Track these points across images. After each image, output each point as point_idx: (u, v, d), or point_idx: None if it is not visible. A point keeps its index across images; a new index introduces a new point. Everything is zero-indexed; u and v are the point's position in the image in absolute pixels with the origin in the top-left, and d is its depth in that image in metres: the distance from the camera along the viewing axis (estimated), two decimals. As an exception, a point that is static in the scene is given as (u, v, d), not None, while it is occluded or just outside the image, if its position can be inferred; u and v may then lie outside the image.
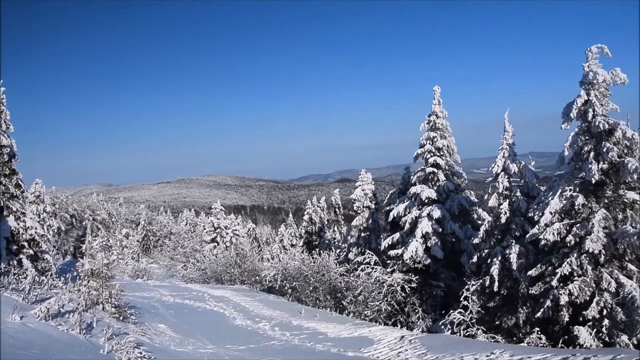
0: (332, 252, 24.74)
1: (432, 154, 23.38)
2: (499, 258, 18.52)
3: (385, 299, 21.02)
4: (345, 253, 29.15)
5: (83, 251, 50.80)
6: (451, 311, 18.20)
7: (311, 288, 22.87)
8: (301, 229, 52.15)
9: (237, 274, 30.54)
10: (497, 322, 18.19)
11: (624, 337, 14.67)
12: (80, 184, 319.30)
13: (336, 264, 23.63)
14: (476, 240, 19.78)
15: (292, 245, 49.27)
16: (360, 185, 30.71)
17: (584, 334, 14.89)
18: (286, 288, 24.11)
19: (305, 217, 49.33)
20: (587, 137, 16.20)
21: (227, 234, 47.36)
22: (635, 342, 14.38)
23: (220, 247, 44.38)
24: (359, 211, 30.12)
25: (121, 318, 13.80)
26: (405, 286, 21.33)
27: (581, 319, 15.26)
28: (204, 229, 50.98)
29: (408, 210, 23.30)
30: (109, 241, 50.00)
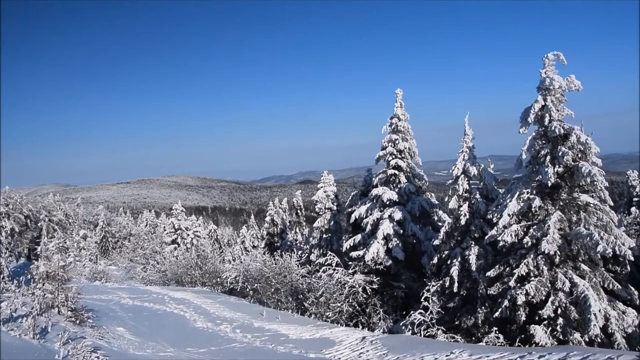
0: (294, 253, 24.76)
1: (393, 156, 23.60)
2: (459, 259, 18.83)
3: (347, 300, 21.13)
4: (307, 254, 29.21)
5: (38, 253, 49.30)
6: (412, 312, 18.43)
7: (273, 290, 22.84)
8: (263, 230, 51.96)
9: (198, 275, 30.28)
10: (456, 322, 18.48)
11: (577, 335, 15.13)
12: (36, 184, 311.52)
13: (298, 266, 23.66)
14: (436, 242, 20.07)
15: (253, 247, 49.17)
16: (322, 186, 30.80)
17: (539, 332, 15.28)
18: (248, 290, 24.02)
19: (267, 219, 49.19)
20: (543, 141, 16.64)
21: (188, 235, 46.76)
22: (587, 340, 14.84)
23: (181, 248, 43.83)
24: (320, 213, 30.19)
25: (78, 322, 13.55)
26: (367, 287, 21.49)
27: (537, 318, 15.66)
28: (165, 230, 50.24)
29: (370, 211, 23.46)
30: (65, 243, 48.58)
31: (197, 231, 48.37)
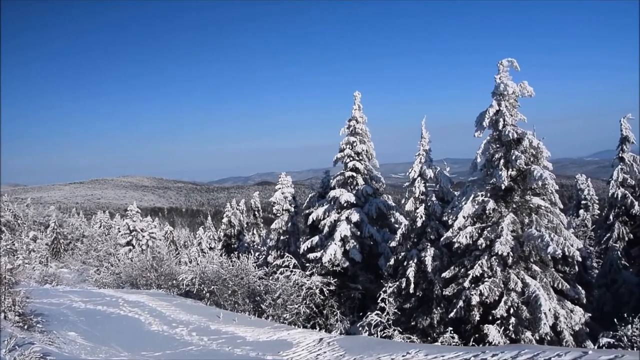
0: (251, 255, 24.68)
1: (351, 159, 23.76)
2: (415, 261, 19.08)
3: (304, 301, 21.15)
4: (264, 256, 29.13)
5: (-16, 256, 47.76)
6: (369, 313, 18.58)
7: (230, 292, 22.68)
8: (220, 232, 51.54)
9: (154, 278, 29.82)
10: (412, 323, 18.72)
11: (528, 334, 15.55)
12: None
13: (255, 267, 23.58)
14: (393, 244, 20.29)
15: (210, 249, 48.64)
16: (280, 188, 30.74)
17: (493, 331, 15.62)
18: (204, 292, 23.79)
19: (225, 220, 48.80)
20: (497, 145, 17.04)
21: (144, 236, 46.00)
22: (538, 338, 15.27)
23: (136, 250, 43.08)
24: (278, 214, 30.12)
25: (26, 327, 13.14)
26: (324, 289, 21.56)
27: (491, 317, 16.00)
28: (119, 231, 49.31)
29: (327, 213, 23.55)
30: (13, 245, 47.21)
31: (152, 232, 47.66)
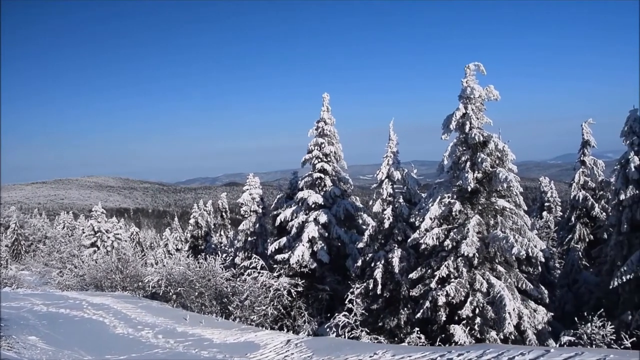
0: (219, 256, 24.44)
1: (319, 160, 23.80)
2: (382, 262, 19.22)
3: (272, 303, 21.09)
4: (231, 258, 28.89)
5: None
6: (336, 314, 18.64)
7: (197, 293, 22.45)
8: (187, 233, 51.09)
9: (119, 280, 29.31)
10: (380, 324, 18.85)
11: (493, 333, 15.83)
12: None
13: (222, 269, 23.38)
14: (361, 245, 20.41)
15: (177, 250, 48.06)
16: (248, 189, 30.57)
17: (458, 331, 15.84)
18: (171, 294, 23.48)
19: (192, 221, 48.41)
20: (464, 148, 17.30)
21: (109, 238, 45.20)
22: (502, 337, 15.56)
23: (101, 252, 42.27)
24: (246, 215, 29.96)
25: (-18, 332, 12.77)
26: (292, 290, 21.54)
27: (457, 318, 16.23)
28: (83, 232, 48.30)
29: (295, 214, 23.54)
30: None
31: (118, 234, 46.88)
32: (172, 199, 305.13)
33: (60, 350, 13.39)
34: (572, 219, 26.64)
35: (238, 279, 22.40)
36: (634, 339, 13.79)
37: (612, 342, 13.71)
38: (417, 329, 16.80)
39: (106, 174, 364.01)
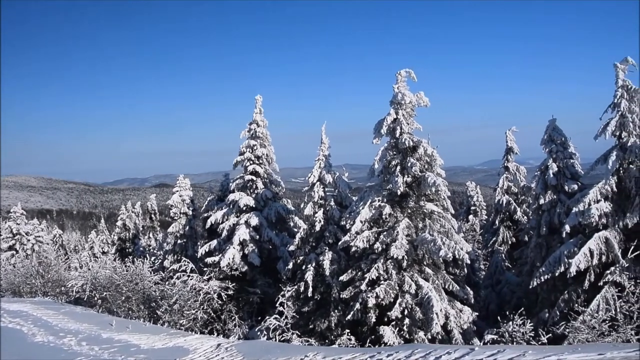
0: (147, 259, 23.82)
1: (251, 162, 23.65)
2: (313, 264, 19.30)
3: (202, 307, 20.75)
4: (160, 261, 28.26)
5: None
6: (267, 317, 18.53)
7: (124, 298, 21.79)
8: (114, 235, 49.66)
9: (39, 285, 28.08)
10: (311, 326, 18.91)
11: (421, 333, 16.22)
12: None
13: (151, 272, 22.79)
14: (292, 248, 20.42)
15: (103, 253, 46.47)
16: (178, 190, 29.97)
17: (388, 332, 16.12)
18: (96, 299, 22.69)
19: (119, 223, 47.07)
20: (394, 152, 17.66)
21: (29, 240, 43.22)
22: (430, 337, 15.96)
23: (20, 255, 40.40)
24: (175, 217, 29.36)
25: None
26: (222, 294, 21.27)
27: (386, 319, 16.52)
28: (1, 235, 46.01)
29: (226, 217, 23.29)
30: None
31: (39, 236, 44.90)
32: (99, 200, 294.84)
33: (-28, 362, 12.68)
34: (496, 222, 27.73)
35: (167, 283, 21.89)
36: (550, 335, 14.47)
37: (531, 338, 14.33)
38: (347, 330, 16.96)
39: (27, 174, 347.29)
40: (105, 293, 22.15)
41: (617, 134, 16.44)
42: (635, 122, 16.13)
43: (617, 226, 16.04)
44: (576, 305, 15.67)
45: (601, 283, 15.68)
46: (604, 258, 15.84)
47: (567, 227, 16.53)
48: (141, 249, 42.63)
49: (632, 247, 15.28)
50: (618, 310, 14.64)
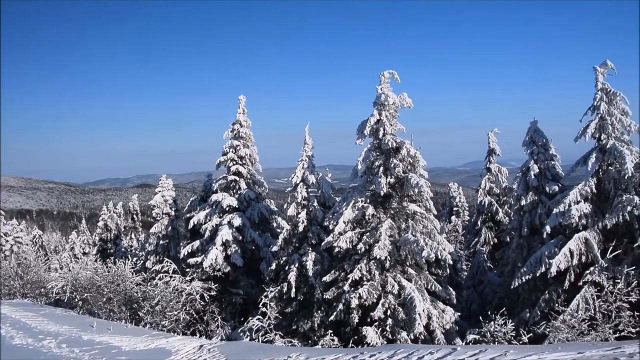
0: (129, 260, 23.64)
1: (234, 162, 23.58)
2: (297, 265, 19.29)
3: (184, 308, 20.63)
4: (142, 261, 28.03)
5: None
6: (250, 318, 18.47)
7: (105, 299, 21.59)
8: (95, 236, 49.17)
9: (18, 286, 27.74)
10: (294, 327, 18.89)
11: (404, 334, 16.28)
12: None
13: (133, 273, 22.62)
14: (275, 248, 20.39)
15: (84, 254, 46.09)
16: (160, 191, 29.76)
17: (371, 333, 16.17)
18: (76, 300, 22.45)
19: (100, 224, 46.64)
20: (377, 153, 17.71)
21: (7, 241, 42.72)
22: (413, 337, 16.04)
23: (-2, 256, 39.86)
24: (158, 218, 29.14)
25: None
26: (205, 294, 21.17)
27: (369, 319, 16.56)
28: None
29: (209, 217, 23.19)
30: None
31: (18, 237, 44.39)
32: (80, 200, 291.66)
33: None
34: (479, 223, 27.94)
35: (149, 284, 21.74)
36: (531, 334, 14.63)
37: (513, 338, 14.48)
38: (330, 331, 16.98)
39: (6, 174, 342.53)
40: (86, 294, 21.94)
41: (597, 136, 16.68)
42: (614, 125, 16.36)
43: (596, 227, 16.25)
44: (556, 305, 15.86)
45: (581, 283, 15.88)
46: (583, 258, 16.05)
47: (548, 228, 16.71)
48: (123, 249, 42.28)
49: (611, 247, 15.48)
50: (597, 309, 14.80)
